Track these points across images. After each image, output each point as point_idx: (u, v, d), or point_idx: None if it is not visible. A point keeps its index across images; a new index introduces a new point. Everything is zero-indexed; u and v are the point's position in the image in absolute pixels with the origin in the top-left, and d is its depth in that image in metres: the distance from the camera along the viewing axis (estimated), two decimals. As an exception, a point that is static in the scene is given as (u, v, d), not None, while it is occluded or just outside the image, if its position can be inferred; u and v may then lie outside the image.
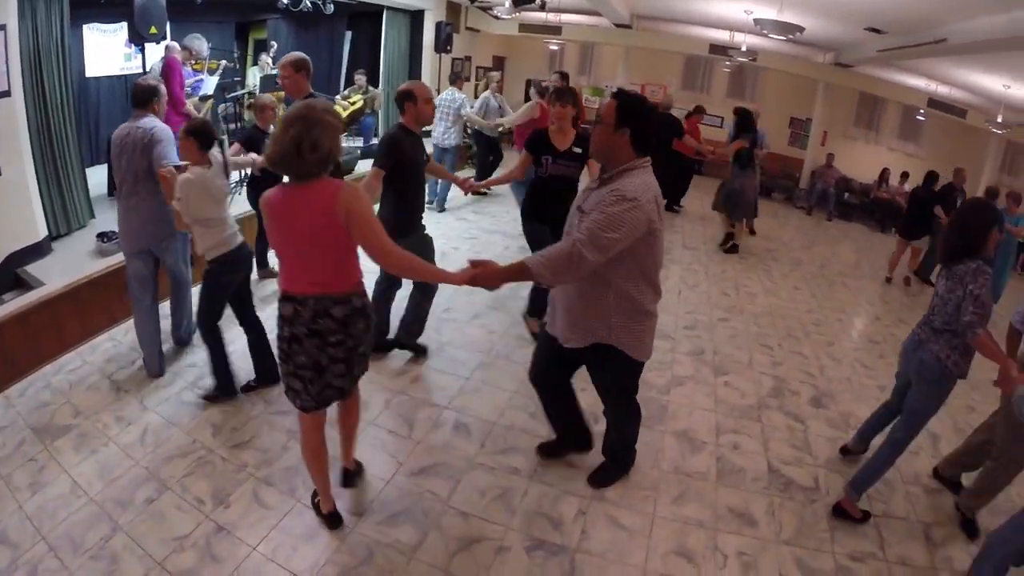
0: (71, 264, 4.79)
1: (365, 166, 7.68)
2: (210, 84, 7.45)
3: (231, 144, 5.31)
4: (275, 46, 10.15)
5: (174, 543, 2.74)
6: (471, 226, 7.90)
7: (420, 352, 4.49)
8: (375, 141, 10.04)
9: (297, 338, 2.47)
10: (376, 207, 3.29)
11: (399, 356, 4.46)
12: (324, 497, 2.85)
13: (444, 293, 5.27)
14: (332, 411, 2.82)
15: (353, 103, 9.62)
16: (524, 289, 5.05)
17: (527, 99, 8.95)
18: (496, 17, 12.61)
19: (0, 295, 4.45)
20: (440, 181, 8.04)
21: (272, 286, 5.29)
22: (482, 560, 2.78)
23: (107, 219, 5.42)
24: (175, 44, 6.63)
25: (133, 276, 3.94)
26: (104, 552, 2.69)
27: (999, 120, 9.53)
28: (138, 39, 5.26)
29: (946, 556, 3.24)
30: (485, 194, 9.19)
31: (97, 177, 6.58)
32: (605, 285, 2.68)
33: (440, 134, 8.31)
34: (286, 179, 2.39)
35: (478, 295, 5.39)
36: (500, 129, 8.56)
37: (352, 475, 3.07)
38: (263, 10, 10.53)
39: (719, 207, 8.25)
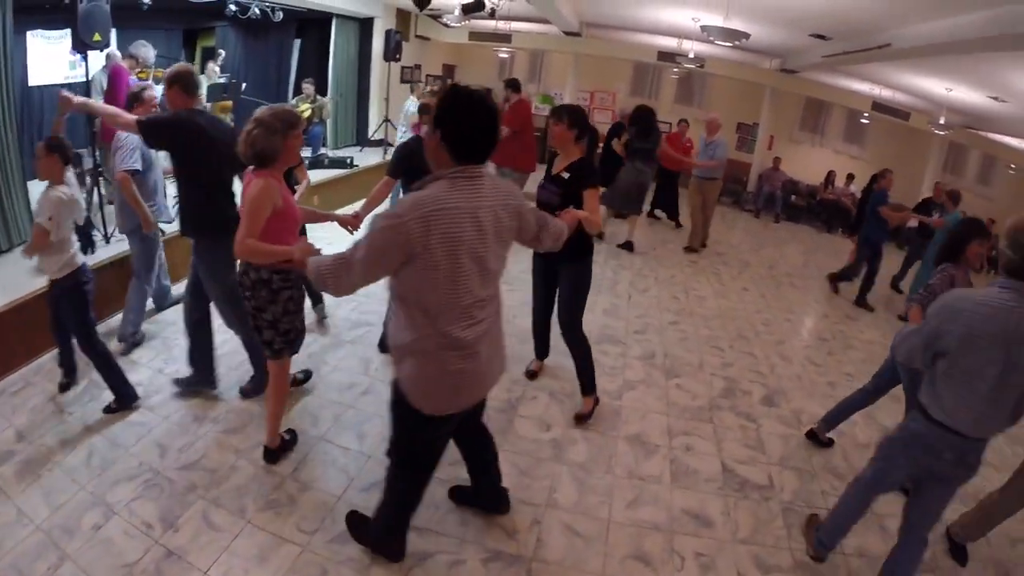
0: (14, 281, 4.61)
1: (315, 176, 7.57)
2: (156, 93, 7.26)
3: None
4: (223, 54, 9.97)
5: (123, 570, 2.65)
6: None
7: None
8: (324, 151, 9.98)
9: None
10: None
11: (347, 369, 4.42)
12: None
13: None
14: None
15: (301, 112, 9.50)
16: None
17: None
18: (446, 25, 12.60)
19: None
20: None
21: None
22: (437, 574, 2.76)
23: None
24: (117, 52, 6.47)
25: None
26: (51, 582, 2.60)
27: (942, 122, 9.89)
28: (81, 46, 5.09)
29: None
30: None
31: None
32: (398, 307, 2.30)
33: (398, 138, 9.02)
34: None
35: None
36: None
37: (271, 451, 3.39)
38: (211, 17, 10.34)
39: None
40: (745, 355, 5.53)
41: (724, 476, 3.73)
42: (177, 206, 3.93)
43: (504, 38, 13.04)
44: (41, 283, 4.59)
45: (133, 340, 4.51)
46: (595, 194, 3.63)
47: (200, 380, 3.94)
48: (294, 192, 3.80)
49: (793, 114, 13.88)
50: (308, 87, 9.70)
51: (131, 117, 3.55)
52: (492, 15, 10.91)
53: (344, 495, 3.19)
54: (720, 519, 3.35)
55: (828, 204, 12.49)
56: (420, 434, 2.47)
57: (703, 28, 7.81)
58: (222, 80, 9.12)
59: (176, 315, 4.85)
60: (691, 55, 10.62)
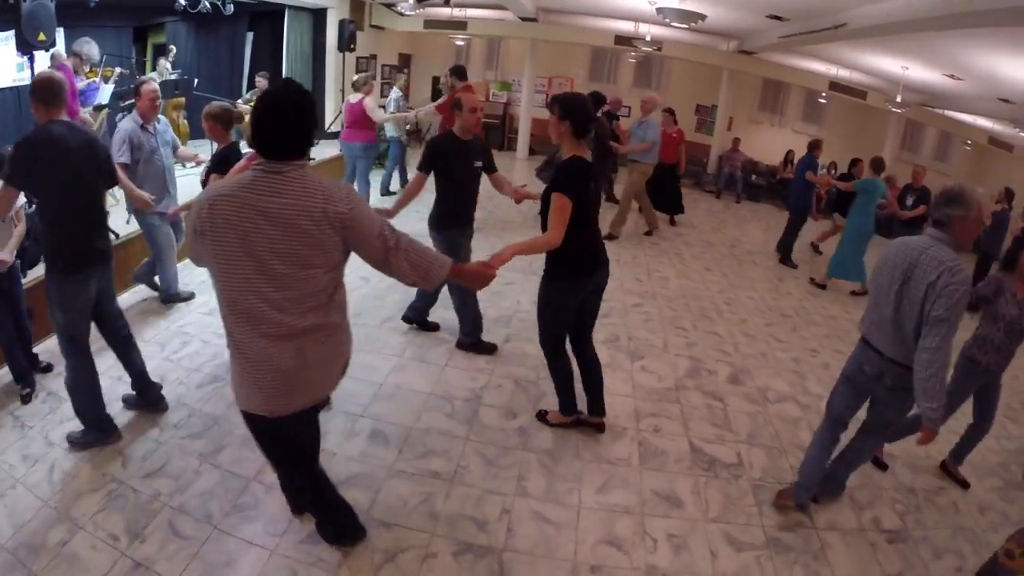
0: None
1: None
2: (105, 93, 7.08)
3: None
4: (174, 50, 9.76)
5: (91, 585, 2.60)
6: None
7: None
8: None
9: None
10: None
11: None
12: None
13: (351, 298, 5.20)
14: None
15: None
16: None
17: (434, 98, 8.94)
18: (401, 14, 12.49)
19: None
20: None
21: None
22: (408, 570, 2.75)
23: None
24: (62, 52, 6.28)
25: None
26: (18, 603, 2.53)
27: (898, 100, 10.06)
28: (26, 47, 4.93)
29: (873, 517, 3.44)
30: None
31: None
32: None
33: (388, 134, 9.17)
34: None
35: (388, 298, 5.34)
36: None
37: None
38: (161, 13, 10.11)
39: None
40: (709, 335, 5.59)
41: (693, 456, 3.78)
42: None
43: (460, 25, 12.97)
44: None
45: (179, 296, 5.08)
46: (556, 199, 3.17)
47: (94, 437, 3.46)
48: None
49: (751, 95, 14.03)
50: (262, 81, 9.53)
51: None
52: (447, 2, 10.88)
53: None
54: (690, 499, 3.39)
55: (788, 183, 12.63)
56: (249, 426, 2.36)
57: (659, 10, 7.84)
58: (174, 77, 8.92)
59: (151, 315, 4.77)
60: (648, 38, 10.65)
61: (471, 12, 12.74)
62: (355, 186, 7.29)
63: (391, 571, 2.74)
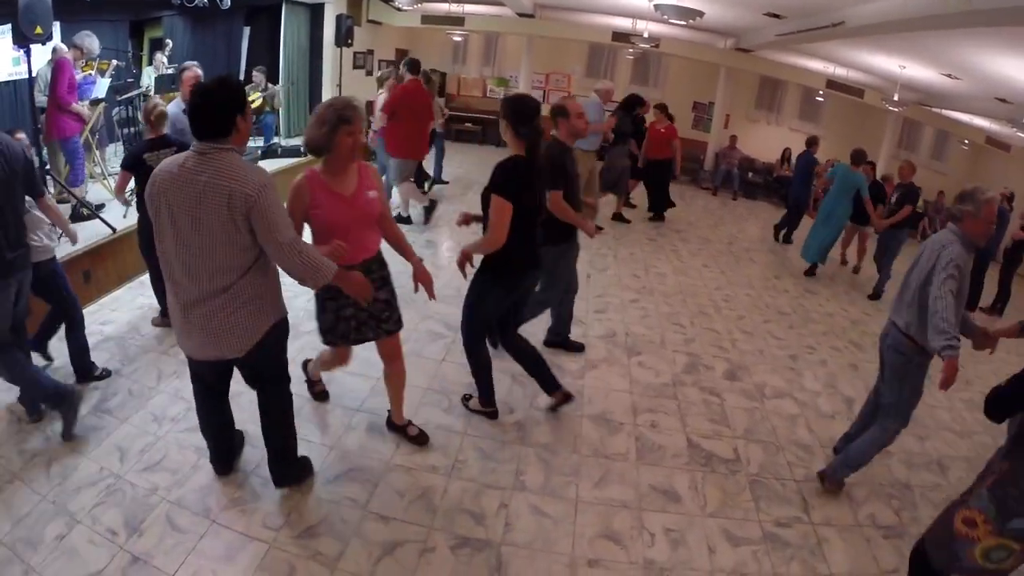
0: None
1: (268, 166, 7.45)
2: (102, 87, 7.03)
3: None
4: (171, 44, 9.70)
5: (89, 579, 2.60)
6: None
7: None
8: (276, 140, 9.82)
9: None
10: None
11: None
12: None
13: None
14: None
15: (251, 102, 9.31)
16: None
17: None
18: (398, 9, 12.44)
19: None
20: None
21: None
22: (407, 563, 2.75)
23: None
24: (63, 45, 6.25)
25: None
26: (16, 597, 2.53)
27: (895, 99, 10.08)
28: (23, 40, 4.90)
29: (869, 513, 3.44)
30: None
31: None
32: None
33: None
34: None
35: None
36: None
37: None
38: (158, 7, 10.04)
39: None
40: (707, 331, 5.60)
41: (690, 451, 3.78)
42: None
43: (457, 21, 12.93)
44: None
45: None
46: (495, 202, 3.22)
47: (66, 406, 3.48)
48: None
49: (749, 93, 14.04)
50: (259, 75, 9.51)
51: None
52: (444, -3, 10.82)
53: (309, 488, 3.15)
54: (688, 494, 3.40)
55: (785, 181, 12.66)
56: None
57: (657, 7, 7.84)
58: (170, 71, 8.87)
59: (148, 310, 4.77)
60: (646, 35, 10.64)
61: (468, 8, 12.71)
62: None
63: (389, 565, 2.74)
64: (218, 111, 2.42)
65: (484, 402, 3.86)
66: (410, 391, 3.98)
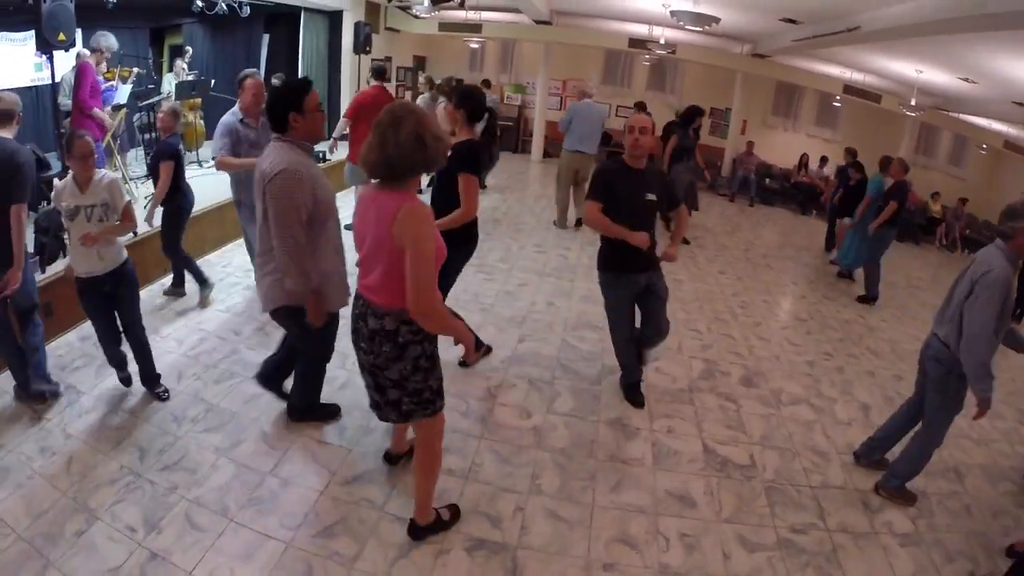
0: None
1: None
2: (123, 93, 7.15)
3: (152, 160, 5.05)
4: (191, 51, 9.85)
5: (108, 575, 2.62)
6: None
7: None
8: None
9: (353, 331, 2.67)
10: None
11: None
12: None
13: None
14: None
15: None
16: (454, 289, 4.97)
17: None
18: (416, 16, 12.51)
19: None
20: None
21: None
22: (423, 565, 2.77)
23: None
24: (86, 51, 6.36)
25: None
26: (35, 591, 2.57)
27: (913, 103, 10.01)
28: (46, 47, 4.99)
29: (885, 521, 3.42)
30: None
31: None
32: None
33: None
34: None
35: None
36: None
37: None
38: (178, 14, 10.21)
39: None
40: (723, 337, 5.58)
41: (706, 457, 3.77)
42: None
43: (474, 28, 12.97)
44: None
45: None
46: (467, 179, 3.68)
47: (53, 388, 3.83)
48: None
49: (765, 98, 13.98)
50: (277, 83, 9.59)
51: None
52: (462, 5, 10.86)
53: (326, 489, 3.18)
54: (703, 499, 3.39)
55: (802, 187, 12.63)
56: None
57: (673, 13, 7.84)
58: (190, 78, 9.00)
59: (169, 312, 4.83)
60: (662, 41, 10.65)
61: (486, 15, 12.74)
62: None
63: (405, 566, 2.75)
64: (274, 110, 2.93)
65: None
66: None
